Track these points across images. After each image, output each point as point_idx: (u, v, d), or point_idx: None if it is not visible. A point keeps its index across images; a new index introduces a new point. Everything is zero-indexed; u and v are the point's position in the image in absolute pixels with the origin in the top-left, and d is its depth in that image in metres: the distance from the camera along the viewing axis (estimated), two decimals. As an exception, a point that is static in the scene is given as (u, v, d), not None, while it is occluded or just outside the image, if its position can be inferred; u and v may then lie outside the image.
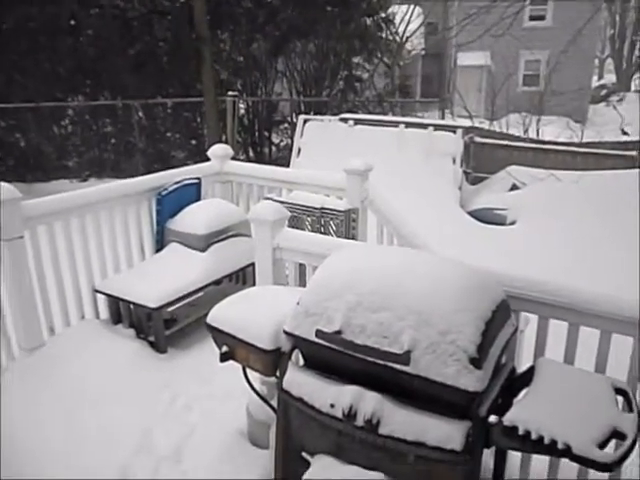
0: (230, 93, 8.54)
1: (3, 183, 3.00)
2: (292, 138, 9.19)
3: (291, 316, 1.84)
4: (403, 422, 1.59)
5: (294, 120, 10.02)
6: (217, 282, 3.72)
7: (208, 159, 4.27)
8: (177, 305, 3.48)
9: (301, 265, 2.55)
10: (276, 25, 9.83)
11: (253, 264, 3.84)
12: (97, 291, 3.48)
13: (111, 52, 8.95)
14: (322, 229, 3.51)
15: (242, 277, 3.97)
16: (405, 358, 1.55)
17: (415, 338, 1.60)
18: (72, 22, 9.06)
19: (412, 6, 14.53)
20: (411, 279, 1.73)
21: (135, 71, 9.22)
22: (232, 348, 1.98)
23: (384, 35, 12.02)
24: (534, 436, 1.45)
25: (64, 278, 3.37)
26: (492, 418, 1.54)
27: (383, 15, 12.01)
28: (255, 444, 2.54)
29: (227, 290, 3.87)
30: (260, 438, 2.47)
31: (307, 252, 2.37)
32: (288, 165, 8.21)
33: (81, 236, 3.42)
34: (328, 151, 7.36)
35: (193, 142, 10.07)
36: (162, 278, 3.41)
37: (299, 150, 8.41)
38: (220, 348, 2.04)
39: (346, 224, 3.46)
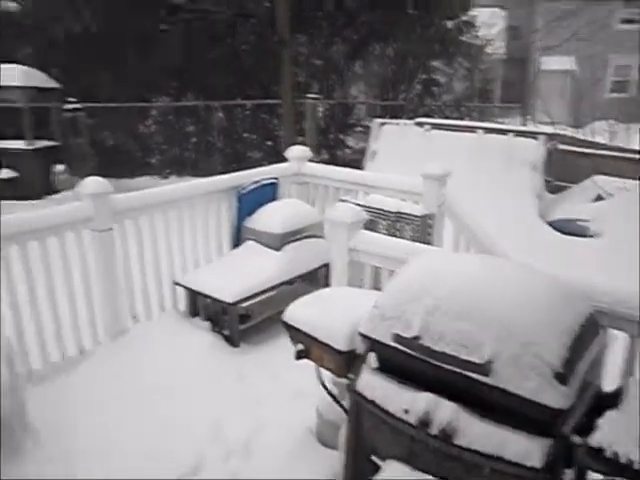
0: (311, 95, 8.66)
1: (97, 177, 3.20)
2: (366, 141, 9.19)
3: (367, 318, 1.84)
4: (480, 434, 1.55)
5: (369, 123, 10.02)
6: (289, 281, 3.78)
7: (283, 160, 4.35)
8: (251, 301, 3.56)
9: (377, 268, 2.55)
10: (355, 28, 9.87)
11: (325, 265, 3.91)
12: (177, 284, 3.63)
13: (196, 54, 9.32)
14: (397, 233, 3.48)
15: (314, 278, 4.01)
16: (486, 368, 1.51)
17: (496, 348, 1.55)
18: (162, 26, 9.51)
19: (494, 9, 14.16)
20: (493, 287, 1.69)
21: (217, 73, 9.54)
22: (307, 347, 2.01)
23: (465, 38, 11.78)
24: (623, 460, 1.38)
25: (147, 270, 3.54)
26: (576, 438, 1.48)
27: (464, 18, 11.79)
28: (324, 444, 2.56)
29: (299, 290, 3.92)
30: (329, 438, 2.49)
31: (384, 255, 2.36)
32: (361, 168, 8.21)
33: (164, 231, 3.58)
34: (403, 155, 7.30)
35: (269, 143, 10.28)
36: (238, 274, 3.51)
37: (373, 153, 8.39)
38: (296, 346, 2.07)
39: (422, 229, 3.42)
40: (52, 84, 9.70)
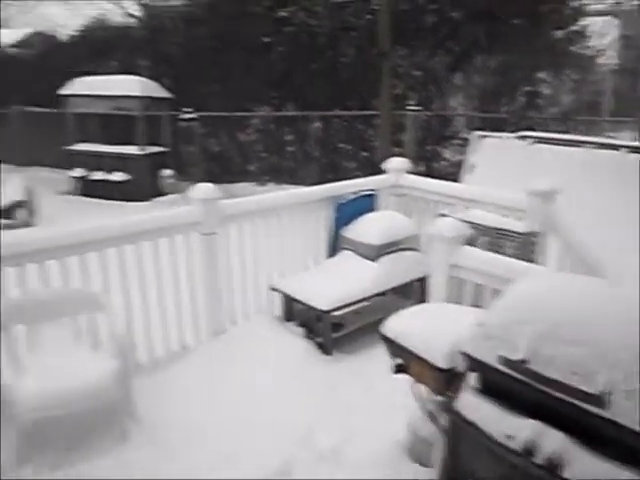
0: (412, 107, 8.63)
1: (207, 184, 3.37)
2: (464, 154, 8.98)
3: (470, 337, 1.80)
4: (591, 469, 1.46)
5: (467, 136, 9.79)
6: (383, 293, 3.77)
7: (377, 171, 4.37)
8: (345, 310, 3.59)
9: (478, 285, 2.48)
10: (458, 40, 9.70)
11: (420, 279, 3.87)
12: (273, 289, 3.73)
13: (297, 67, 9.58)
14: (498, 250, 3.38)
15: (408, 291, 3.98)
16: (601, 400, 1.43)
17: (612, 379, 1.46)
18: (266, 39, 9.88)
19: (607, 17, 13.36)
20: (611, 314, 1.59)
21: (317, 84, 9.74)
22: (406, 361, 2.00)
23: (575, 49, 11.20)
24: None
25: (246, 274, 3.68)
26: None
27: (575, 28, 11.21)
28: (415, 460, 2.52)
29: (391, 302, 3.91)
30: (420, 455, 2.45)
31: (487, 273, 2.30)
32: (458, 182, 8.02)
33: (265, 237, 3.70)
34: (503, 169, 7.02)
35: (364, 154, 10.32)
36: (334, 283, 3.55)
37: (472, 167, 8.17)
38: (393, 359, 2.06)
39: (525, 247, 3.29)
40: (164, 94, 10.36)
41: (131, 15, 15.00)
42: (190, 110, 9.20)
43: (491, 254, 2.86)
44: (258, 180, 10.70)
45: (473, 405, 1.78)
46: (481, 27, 9.38)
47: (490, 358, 1.71)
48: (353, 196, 3.90)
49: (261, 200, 3.69)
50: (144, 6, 15.86)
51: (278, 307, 3.78)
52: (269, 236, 3.73)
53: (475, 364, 1.79)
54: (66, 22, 14.23)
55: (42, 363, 2.64)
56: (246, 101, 10.59)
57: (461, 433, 1.83)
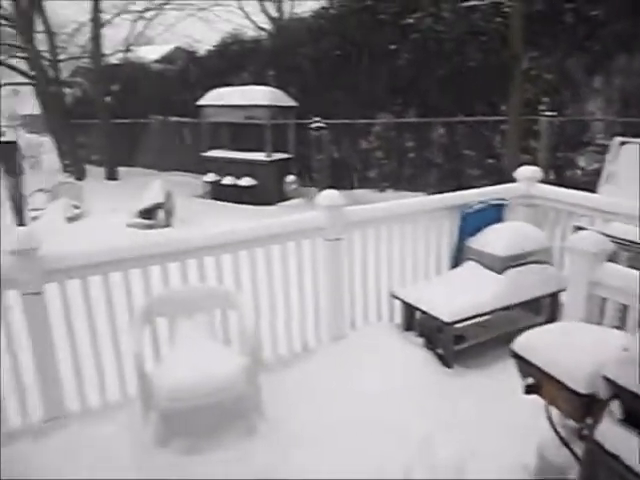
0: (547, 113, 8.20)
1: (333, 191, 3.46)
2: (601, 162, 8.32)
3: (615, 362, 1.67)
4: None
5: (605, 142, 9.06)
6: (509, 307, 3.60)
7: (504, 179, 4.18)
8: (468, 323, 3.48)
9: (623, 306, 2.29)
10: (598, 40, 9.03)
11: (552, 295, 3.65)
12: (394, 296, 3.72)
13: (423, 73, 9.49)
14: (643, 268, 3.09)
15: (537, 307, 3.77)
16: None
17: None
18: (392, 47, 9.90)
19: None
20: None
21: (441, 90, 9.57)
22: (538, 382, 1.90)
23: None
24: None
25: (368, 280, 3.71)
26: None
27: None
28: (542, 486, 2.38)
29: (518, 318, 3.74)
30: (549, 482, 2.31)
31: (633, 293, 2.12)
32: (594, 192, 7.45)
33: (387, 244, 3.71)
34: (648, 179, 6.42)
35: (490, 161, 9.95)
36: (457, 294, 3.46)
37: (611, 175, 7.55)
38: (524, 378, 1.97)
39: (676, 266, 2.98)
40: (291, 102, 10.76)
41: (262, 29, 15.82)
42: (319, 119, 9.49)
43: (636, 272, 2.63)
44: (377, 187, 10.74)
45: (615, 435, 1.65)
46: (624, 24, 8.65)
47: (636, 386, 1.57)
48: (480, 205, 3.78)
49: (385, 208, 3.70)
50: (274, 20, 16.65)
51: (398, 315, 3.76)
52: (392, 243, 3.74)
53: (619, 391, 1.66)
54: (204, 38, 15.34)
55: (179, 355, 2.86)
56: (369, 108, 10.68)
57: (599, 464, 1.70)
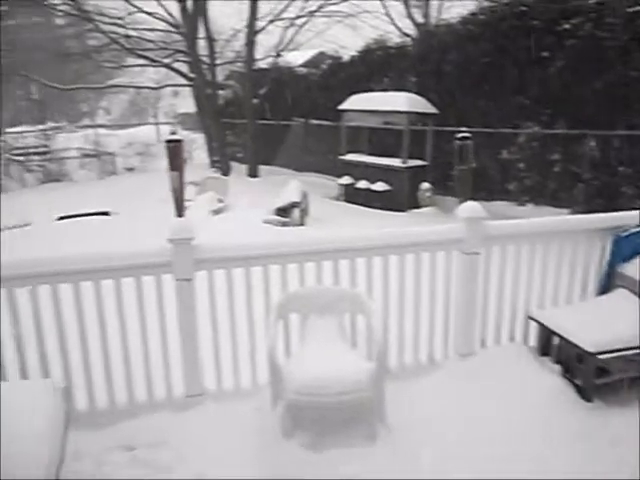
0: None
1: (473, 202, 3.37)
2: None
3: None
4: None
5: None
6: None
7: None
8: (613, 355, 3.19)
9: None
10: None
11: None
12: (531, 318, 3.53)
13: (578, 82, 8.87)
14: None
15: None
16: None
17: None
18: (544, 54, 9.37)
19: None
20: None
21: (598, 101, 8.87)
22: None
23: None
24: None
25: (503, 298, 3.56)
26: None
27: None
28: None
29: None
30: None
31: None
32: None
33: (528, 263, 3.53)
34: None
35: (649, 180, 9.05)
36: (603, 323, 3.20)
37: None
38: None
39: None
40: (430, 109, 10.62)
41: (406, 35, 15.80)
42: (465, 130, 9.28)
43: None
44: (517, 200, 10.23)
45: None
46: None
47: None
48: (637, 229, 3.46)
49: (529, 224, 3.52)
50: (419, 26, 16.56)
51: (533, 338, 3.57)
52: (532, 262, 3.54)
53: None
54: (349, 44, 15.68)
55: (309, 351, 2.97)
56: (513, 118, 10.22)
57: None
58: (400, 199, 10.29)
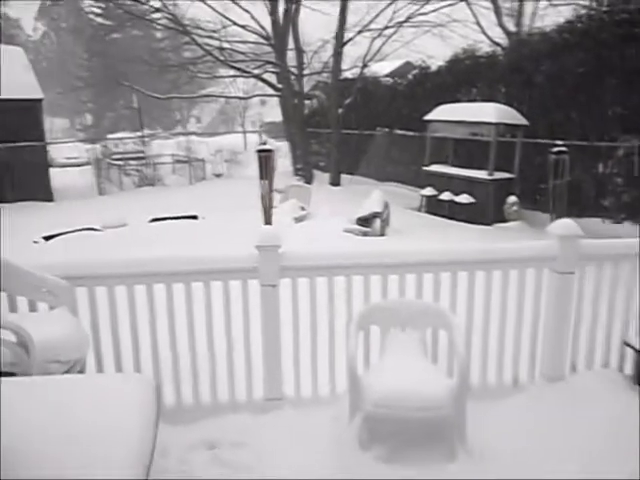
0: None
1: (568, 220, 3.22)
2: None
3: None
4: None
5: None
6: None
7: None
8: None
9: None
10: None
11: None
12: (627, 344, 3.31)
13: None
14: None
15: None
16: None
17: None
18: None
19: None
20: None
21: None
22: None
23: None
24: None
25: (598, 322, 3.36)
26: None
27: None
28: None
29: None
30: None
31: None
32: None
33: (625, 285, 3.31)
34: None
35: None
36: None
37: None
38: None
39: None
40: (520, 120, 10.27)
41: (497, 44, 15.39)
42: (559, 142, 8.91)
43: None
44: (612, 217, 9.65)
45: None
46: None
47: None
48: None
49: (627, 244, 3.31)
50: (511, 34, 16.07)
51: (630, 366, 3.34)
52: (630, 284, 3.32)
53: None
54: (436, 53, 15.50)
55: (389, 364, 2.94)
56: (610, 130, 9.67)
57: None
58: (485, 212, 10.00)
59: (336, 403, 3.14)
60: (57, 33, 48.89)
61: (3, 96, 14.01)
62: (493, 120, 10.08)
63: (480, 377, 3.35)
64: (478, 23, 16.66)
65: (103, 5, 26.90)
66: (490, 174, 10.20)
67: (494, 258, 3.20)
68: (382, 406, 2.62)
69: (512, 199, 10.05)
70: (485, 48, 13.90)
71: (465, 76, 12.45)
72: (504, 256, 3.21)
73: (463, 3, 15.96)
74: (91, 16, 31.84)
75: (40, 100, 15.50)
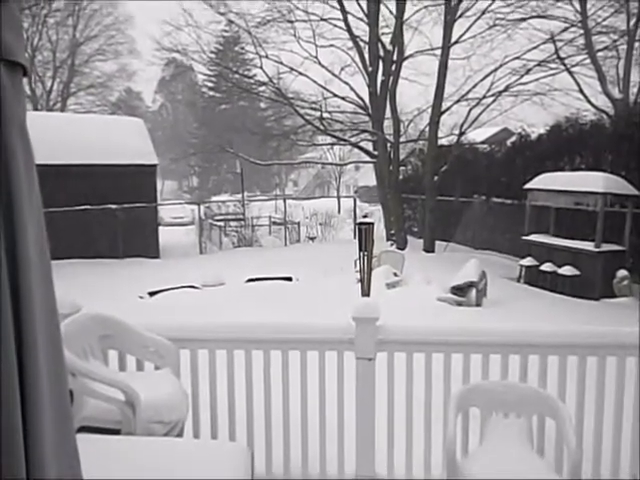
0: None
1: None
2: None
3: None
4: None
5: None
6: None
7: None
8: None
9: None
10: None
11: None
12: None
13: None
14: None
15: None
16: None
17: None
18: None
19: None
20: None
21: None
22: None
23: None
24: None
25: None
26: None
27: None
28: None
29: None
30: None
31: None
32: None
33: None
34: None
35: None
36: None
37: None
38: None
39: None
40: (631, 190, 9.71)
41: (602, 111, 14.89)
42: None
43: None
44: None
45: None
46: None
47: None
48: None
49: None
50: (616, 101, 15.51)
51: None
52: None
53: None
54: (536, 121, 15.25)
55: (489, 452, 2.76)
56: None
57: None
58: (591, 286, 9.38)
59: (431, 488, 2.97)
60: (173, 104, 53.79)
61: (124, 162, 15.45)
62: (600, 190, 9.60)
63: (593, 474, 3.04)
64: (581, 91, 16.26)
65: (215, 80, 29.37)
66: (597, 246, 9.63)
67: (605, 342, 2.96)
68: (482, 499, 2.44)
69: (622, 273, 9.37)
70: (590, 116, 13.50)
71: (568, 144, 12.09)
72: (620, 341, 2.96)
73: (564, 72, 15.71)
74: (204, 89, 34.80)
75: (155, 165, 16.88)
